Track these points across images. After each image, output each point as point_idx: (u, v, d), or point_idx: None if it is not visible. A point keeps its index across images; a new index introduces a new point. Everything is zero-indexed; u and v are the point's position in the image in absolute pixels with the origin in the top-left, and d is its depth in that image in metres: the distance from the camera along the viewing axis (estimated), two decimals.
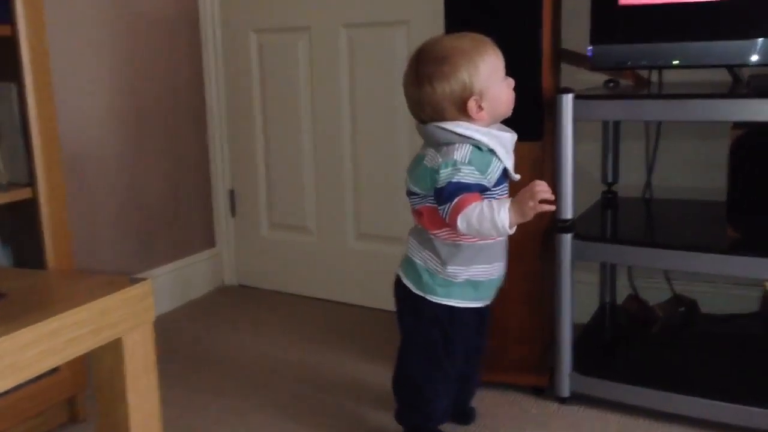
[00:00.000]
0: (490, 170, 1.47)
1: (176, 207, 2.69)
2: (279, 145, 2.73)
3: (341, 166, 2.60)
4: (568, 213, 1.78)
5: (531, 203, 1.41)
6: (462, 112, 1.46)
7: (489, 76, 1.46)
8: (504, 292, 1.68)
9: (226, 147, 2.83)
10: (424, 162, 1.49)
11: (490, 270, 1.57)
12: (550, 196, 1.43)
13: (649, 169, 2.16)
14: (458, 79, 1.44)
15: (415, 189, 1.53)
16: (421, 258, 1.55)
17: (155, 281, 2.55)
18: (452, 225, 1.45)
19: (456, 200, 1.43)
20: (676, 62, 1.74)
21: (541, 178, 1.65)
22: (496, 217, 1.42)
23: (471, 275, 1.54)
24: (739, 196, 1.88)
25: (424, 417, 1.64)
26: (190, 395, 2.00)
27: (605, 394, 1.82)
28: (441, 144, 1.47)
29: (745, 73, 1.89)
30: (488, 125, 1.49)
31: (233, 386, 2.05)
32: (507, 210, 1.42)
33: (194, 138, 2.76)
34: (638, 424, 1.75)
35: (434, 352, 1.59)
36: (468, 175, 1.44)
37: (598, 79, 2.00)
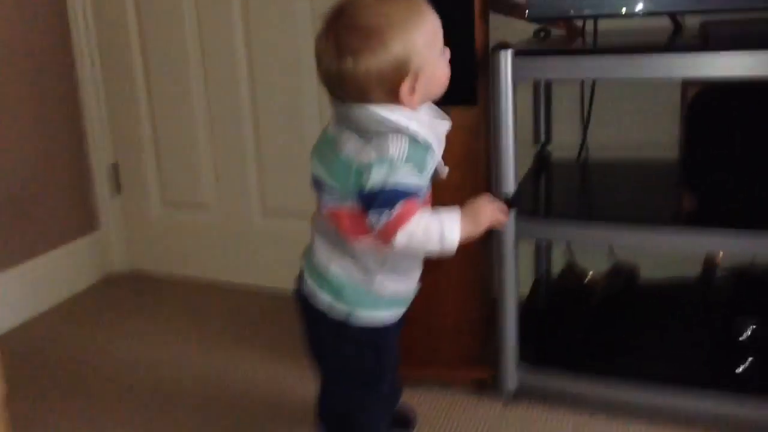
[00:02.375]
0: (427, 168, 1.19)
1: (46, 189, 2.31)
2: (167, 111, 2.37)
3: (241, 134, 2.28)
4: (510, 188, 1.56)
5: (488, 216, 1.22)
6: (390, 94, 1.16)
7: (426, 52, 1.16)
8: (436, 279, 1.45)
9: (105, 116, 2.45)
10: (345, 152, 1.18)
11: (417, 274, 1.32)
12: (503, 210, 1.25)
13: (585, 127, 1.96)
14: (390, 57, 1.13)
15: (331, 183, 1.22)
16: (340, 268, 1.25)
17: (21, 278, 2.23)
18: (386, 239, 1.16)
19: (396, 212, 1.13)
20: (623, 10, 1.53)
21: (477, 151, 1.43)
22: (446, 235, 1.16)
23: (399, 287, 1.28)
24: (692, 159, 1.70)
25: None
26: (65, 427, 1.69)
27: (555, 387, 1.64)
28: (369, 132, 1.17)
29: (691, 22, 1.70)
30: (417, 108, 1.20)
31: (125, 412, 1.74)
32: (458, 224, 1.18)
33: (65, 109, 2.36)
34: (595, 421, 1.59)
35: (368, 378, 1.31)
36: (407, 176, 1.15)
37: (525, 28, 1.77)
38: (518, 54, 1.49)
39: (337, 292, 1.25)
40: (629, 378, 1.58)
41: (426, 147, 1.18)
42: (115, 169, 2.49)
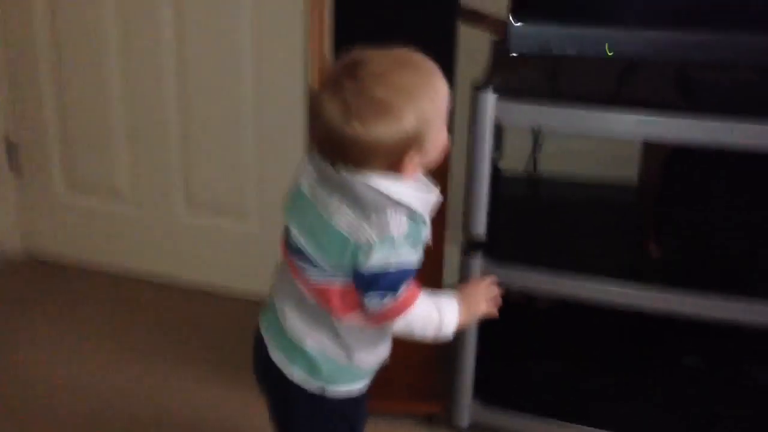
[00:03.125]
0: (423, 242, 1.11)
1: None
2: (76, 86, 2.10)
3: (165, 117, 2.06)
4: (481, 229, 1.50)
5: (483, 306, 1.16)
6: (393, 165, 1.05)
7: (434, 122, 1.06)
8: None
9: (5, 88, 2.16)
10: (338, 227, 1.06)
11: (390, 342, 1.24)
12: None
13: (535, 141, 1.90)
14: (402, 131, 1.02)
15: (319, 259, 1.09)
16: (317, 343, 1.15)
17: None
18: (383, 321, 1.10)
19: (400, 297, 1.06)
20: (607, 52, 1.47)
21: (444, 185, 1.34)
22: (443, 327, 1.12)
23: (377, 358, 1.20)
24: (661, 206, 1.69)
25: None
26: None
27: (510, 425, 1.63)
28: (366, 206, 1.05)
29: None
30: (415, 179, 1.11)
31: None
32: (456, 316, 1.13)
33: None
34: None
35: None
36: (408, 255, 1.06)
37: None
38: (501, 97, 1.41)
39: (313, 367, 1.15)
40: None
41: (422, 221, 1.09)
42: (11, 146, 2.22)
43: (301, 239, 1.11)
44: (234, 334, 1.96)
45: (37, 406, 1.70)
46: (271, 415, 1.27)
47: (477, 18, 1.68)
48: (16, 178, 2.25)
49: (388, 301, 1.06)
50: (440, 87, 1.06)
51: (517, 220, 1.73)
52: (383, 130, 1.01)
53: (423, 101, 1.03)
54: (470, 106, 1.43)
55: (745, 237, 1.63)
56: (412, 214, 1.07)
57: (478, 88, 1.41)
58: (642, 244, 1.64)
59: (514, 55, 1.46)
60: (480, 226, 1.49)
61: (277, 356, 1.17)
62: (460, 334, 1.55)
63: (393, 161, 1.04)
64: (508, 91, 1.42)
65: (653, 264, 1.60)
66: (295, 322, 1.15)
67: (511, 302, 1.44)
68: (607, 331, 1.85)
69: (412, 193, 1.07)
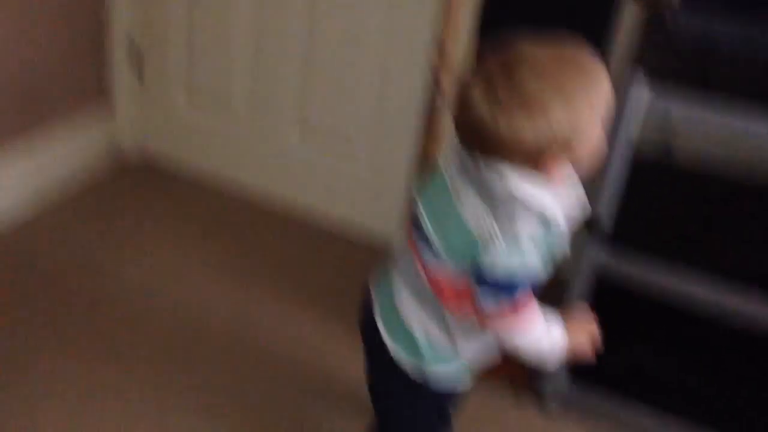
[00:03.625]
0: (555, 255, 1.06)
1: (63, 58, 2.07)
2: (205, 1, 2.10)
3: (289, 48, 2.04)
4: (606, 214, 1.45)
5: (584, 346, 1.14)
6: (535, 164, 1.00)
7: (589, 127, 0.99)
8: None
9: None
10: (464, 214, 1.03)
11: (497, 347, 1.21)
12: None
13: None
14: (548, 131, 0.96)
15: (440, 246, 1.07)
16: (425, 331, 1.13)
17: (28, 152, 2.02)
18: (492, 326, 1.07)
19: (516, 302, 1.04)
20: None
21: None
22: (546, 356, 1.11)
23: (481, 356, 1.19)
24: None
25: None
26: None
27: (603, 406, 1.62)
28: (495, 199, 1.02)
29: None
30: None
31: (125, 354, 1.64)
32: (563, 344, 1.11)
33: None
34: None
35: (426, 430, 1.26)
36: (528, 258, 1.02)
37: None
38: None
39: (415, 352, 1.15)
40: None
41: (557, 229, 1.04)
42: (137, 53, 2.24)
43: (427, 221, 1.09)
44: (334, 269, 2.00)
45: (131, 309, 1.76)
46: (369, 386, 1.28)
47: None
48: (138, 83, 2.28)
49: (502, 303, 1.03)
50: (603, 91, 0.99)
51: (648, 209, 1.65)
52: (529, 129, 0.96)
53: (580, 105, 0.96)
54: (619, 88, 1.35)
55: None
56: (544, 220, 1.01)
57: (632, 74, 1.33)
58: None
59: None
60: (608, 212, 1.44)
61: (384, 335, 1.17)
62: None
63: (535, 159, 0.99)
64: (662, 75, 1.33)
65: None
66: (409, 308, 1.14)
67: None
68: (722, 333, 1.76)
69: (550, 197, 1.01)
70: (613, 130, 1.37)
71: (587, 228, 1.45)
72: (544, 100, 0.95)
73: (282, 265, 1.99)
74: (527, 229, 1.00)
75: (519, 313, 1.05)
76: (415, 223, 1.12)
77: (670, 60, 1.42)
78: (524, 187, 1.00)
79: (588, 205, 1.08)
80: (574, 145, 0.98)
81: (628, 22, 1.58)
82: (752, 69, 1.42)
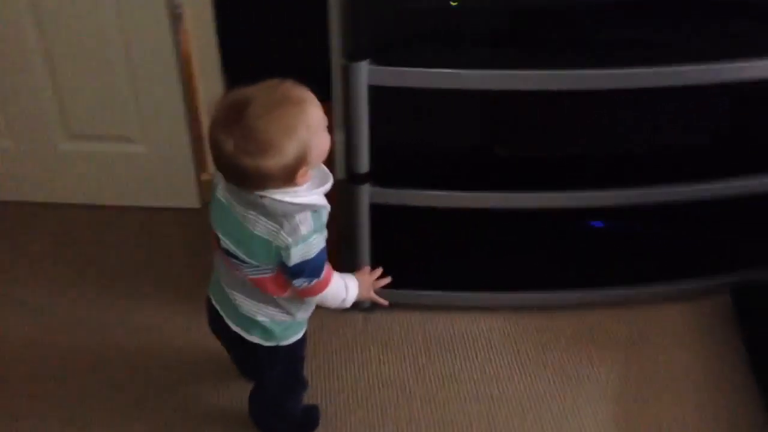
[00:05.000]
0: (325, 225, 1.40)
1: None
2: None
3: (25, 48, 2.03)
4: (364, 168, 1.77)
5: (371, 294, 1.56)
6: (289, 181, 1.30)
7: (315, 139, 1.28)
8: None
9: None
10: (258, 233, 1.33)
11: None
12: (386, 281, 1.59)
13: None
14: (288, 159, 1.25)
15: (250, 260, 1.38)
16: (266, 315, 1.47)
17: None
18: (307, 296, 1.44)
19: (318, 281, 1.40)
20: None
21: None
22: (346, 299, 1.49)
23: (311, 310, 1.54)
24: None
25: (311, 422, 1.77)
26: None
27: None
28: (277, 216, 1.32)
29: None
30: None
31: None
32: (356, 294, 1.50)
33: None
34: (440, 319, 2.02)
35: (298, 375, 1.64)
36: (317, 244, 1.36)
37: None
38: (372, 64, 1.59)
39: (266, 332, 1.49)
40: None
41: (323, 210, 1.37)
42: None
43: (231, 246, 1.38)
44: (141, 244, 2.21)
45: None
46: (235, 358, 1.68)
47: None
48: None
49: (308, 283, 1.39)
50: (314, 112, 1.28)
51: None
52: (271, 164, 1.25)
53: (301, 131, 1.25)
54: (346, 74, 1.63)
55: None
56: (314, 210, 1.34)
57: (350, 57, 1.59)
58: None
59: None
60: (363, 165, 1.76)
61: (235, 327, 1.50)
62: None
63: (287, 180, 1.29)
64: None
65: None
66: (246, 304, 1.46)
67: None
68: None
69: (309, 194, 1.33)
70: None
71: (352, 181, 1.78)
72: (274, 140, 1.24)
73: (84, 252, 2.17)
74: (306, 227, 1.33)
75: (325, 284, 1.42)
76: (221, 247, 1.41)
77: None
78: (289, 198, 1.30)
79: (331, 175, 1.40)
80: (309, 158, 1.29)
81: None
82: None
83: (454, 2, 1.67)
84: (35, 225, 2.26)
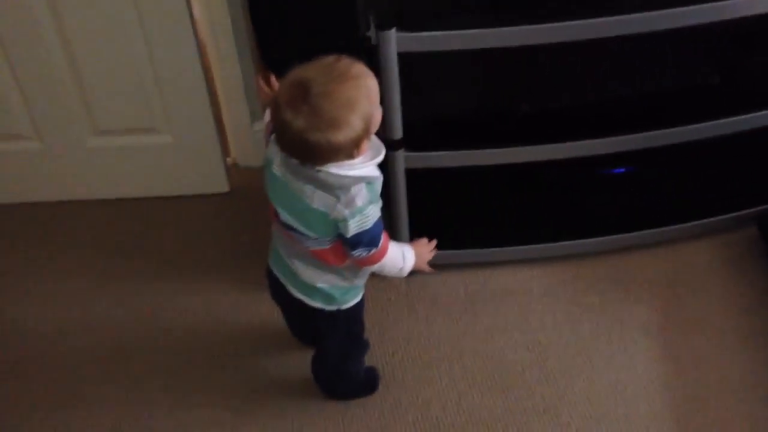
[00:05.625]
0: (379, 194, 1.46)
1: None
2: None
3: (46, 49, 2.05)
4: (398, 134, 1.82)
5: (425, 264, 1.60)
6: (352, 153, 1.35)
7: (374, 112, 1.35)
8: None
9: None
10: (316, 206, 1.38)
11: None
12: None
13: None
14: (353, 133, 1.31)
15: (309, 233, 1.43)
16: (326, 283, 1.53)
17: None
18: (366, 265, 1.49)
19: (375, 250, 1.45)
20: None
21: None
22: (404, 268, 1.54)
23: (368, 275, 1.60)
24: None
25: (371, 383, 1.83)
26: None
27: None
28: (334, 189, 1.37)
29: None
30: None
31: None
32: (412, 262, 1.55)
33: None
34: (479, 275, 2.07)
35: (362, 342, 1.72)
36: (373, 215, 1.42)
37: None
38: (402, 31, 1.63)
39: (328, 297, 1.55)
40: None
41: (377, 181, 1.43)
42: None
43: (290, 220, 1.43)
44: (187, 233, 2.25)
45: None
46: (296, 326, 1.76)
47: None
48: None
49: (367, 252, 1.45)
50: (372, 85, 1.35)
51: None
52: (341, 137, 1.31)
53: (363, 104, 1.32)
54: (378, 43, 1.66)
55: None
56: (369, 182, 1.40)
57: (379, 27, 1.63)
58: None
59: None
60: (398, 131, 1.81)
61: (298, 294, 1.56)
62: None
63: (351, 151, 1.34)
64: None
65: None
66: (307, 273, 1.52)
67: None
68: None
69: (363, 166, 1.38)
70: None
71: (387, 147, 1.82)
72: (341, 116, 1.29)
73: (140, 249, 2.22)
74: (362, 198, 1.38)
75: (383, 253, 1.48)
76: (279, 221, 1.46)
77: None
78: (346, 171, 1.36)
79: (383, 145, 1.45)
80: (371, 129, 1.35)
81: None
82: None
83: None
84: (71, 222, 2.30)
